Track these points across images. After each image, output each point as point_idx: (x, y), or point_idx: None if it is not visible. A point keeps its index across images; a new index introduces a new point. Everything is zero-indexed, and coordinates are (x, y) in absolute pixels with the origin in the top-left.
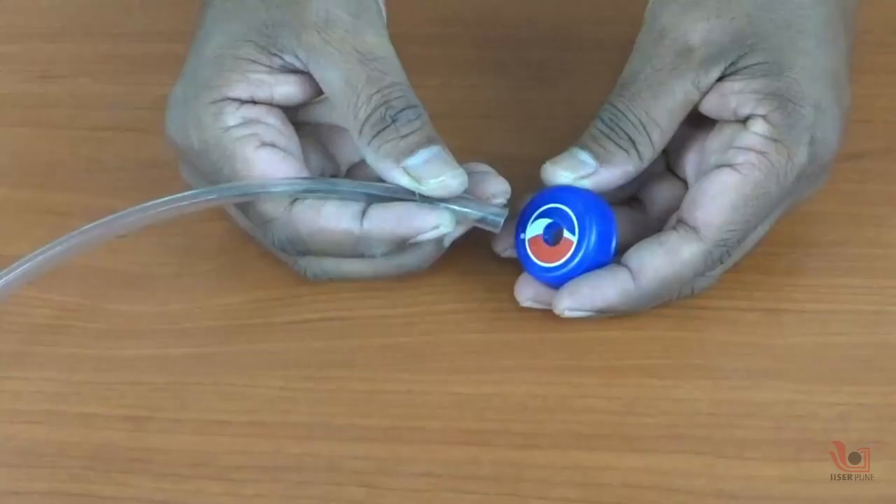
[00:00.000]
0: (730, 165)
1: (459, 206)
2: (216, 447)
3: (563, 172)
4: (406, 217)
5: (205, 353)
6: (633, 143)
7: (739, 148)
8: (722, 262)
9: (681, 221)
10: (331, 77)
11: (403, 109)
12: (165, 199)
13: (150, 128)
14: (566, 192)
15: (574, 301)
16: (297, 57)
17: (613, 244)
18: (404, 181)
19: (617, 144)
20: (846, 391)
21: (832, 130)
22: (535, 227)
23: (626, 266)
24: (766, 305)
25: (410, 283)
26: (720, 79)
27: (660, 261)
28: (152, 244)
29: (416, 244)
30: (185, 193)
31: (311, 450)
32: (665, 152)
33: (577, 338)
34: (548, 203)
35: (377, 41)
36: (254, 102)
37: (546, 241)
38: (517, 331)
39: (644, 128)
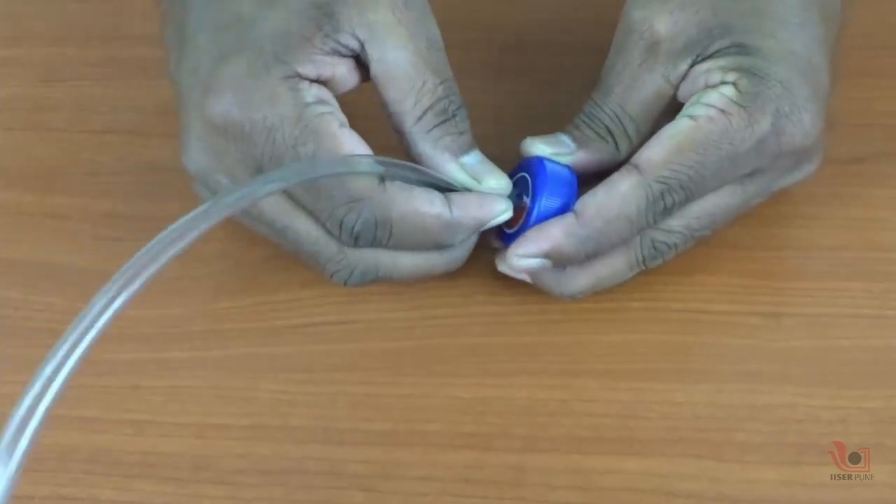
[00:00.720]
0: (689, 116)
1: None
2: (216, 451)
3: (541, 145)
4: (485, 203)
5: (205, 356)
6: (611, 133)
7: (702, 104)
8: (666, 207)
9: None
10: (395, 57)
11: (461, 107)
12: (266, 176)
13: (151, 131)
14: (531, 161)
15: (522, 248)
16: (354, 35)
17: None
18: (461, 176)
19: (597, 133)
20: (847, 395)
21: (804, 110)
22: None
23: (572, 210)
24: (767, 309)
25: (411, 286)
26: (690, 67)
27: (600, 196)
28: None
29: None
30: (279, 169)
31: (312, 453)
32: None
33: (577, 341)
34: (517, 173)
35: (438, 34)
36: (320, 82)
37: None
38: (518, 334)
39: (620, 120)
